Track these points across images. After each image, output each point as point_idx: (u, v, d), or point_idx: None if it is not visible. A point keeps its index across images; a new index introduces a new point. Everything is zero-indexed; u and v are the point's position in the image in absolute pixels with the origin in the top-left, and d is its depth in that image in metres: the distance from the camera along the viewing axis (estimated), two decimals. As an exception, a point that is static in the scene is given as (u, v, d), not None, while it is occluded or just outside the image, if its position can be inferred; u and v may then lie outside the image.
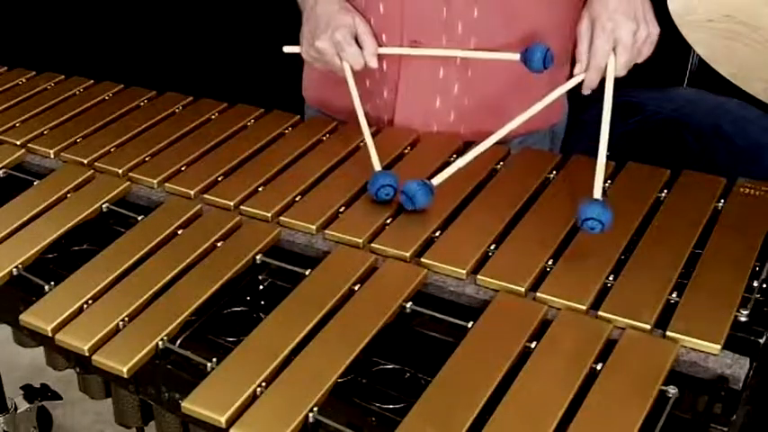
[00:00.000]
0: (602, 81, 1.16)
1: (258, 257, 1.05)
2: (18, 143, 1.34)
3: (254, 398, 0.86)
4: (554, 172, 1.17)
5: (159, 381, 0.93)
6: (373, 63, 1.25)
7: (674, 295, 0.93)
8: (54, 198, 1.20)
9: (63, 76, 1.55)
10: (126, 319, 0.97)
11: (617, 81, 1.16)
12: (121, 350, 0.93)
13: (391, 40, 1.28)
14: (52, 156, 1.31)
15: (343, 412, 0.86)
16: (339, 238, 1.07)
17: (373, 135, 1.22)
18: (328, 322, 0.93)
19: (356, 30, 1.24)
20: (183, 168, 1.24)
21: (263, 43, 1.56)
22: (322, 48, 1.24)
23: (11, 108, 1.46)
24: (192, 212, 1.14)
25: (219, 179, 1.21)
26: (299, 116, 1.37)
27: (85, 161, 1.28)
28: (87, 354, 0.94)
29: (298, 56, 1.31)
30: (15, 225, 1.15)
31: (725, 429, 0.81)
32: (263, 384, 0.87)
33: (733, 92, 1.91)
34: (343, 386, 0.88)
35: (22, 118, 1.41)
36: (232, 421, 0.84)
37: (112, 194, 1.20)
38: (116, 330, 0.96)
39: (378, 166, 1.15)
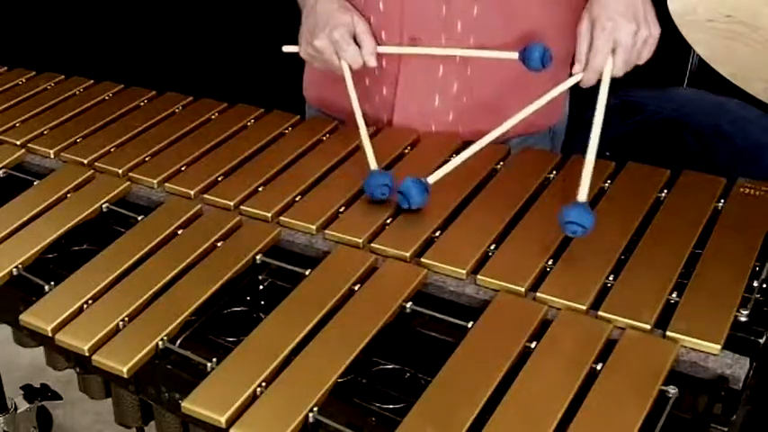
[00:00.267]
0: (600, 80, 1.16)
1: (258, 257, 1.05)
2: (18, 143, 1.34)
3: (254, 398, 0.86)
4: (554, 172, 1.17)
5: (159, 381, 0.93)
6: (372, 62, 1.25)
7: (674, 295, 0.93)
8: (54, 198, 1.20)
9: (63, 76, 1.55)
10: (126, 319, 0.97)
11: (616, 81, 1.16)
12: (121, 350, 0.93)
13: (391, 37, 1.28)
14: (52, 156, 1.31)
15: (344, 412, 0.86)
16: (339, 238, 1.07)
17: (373, 135, 1.22)
18: (328, 322, 0.93)
19: (355, 29, 1.24)
20: (182, 168, 1.24)
21: (263, 43, 1.56)
22: (320, 46, 1.24)
23: (11, 108, 1.46)
24: (192, 212, 1.14)
25: (219, 179, 1.21)
26: (299, 116, 1.37)
27: (85, 161, 1.28)
28: (87, 354, 0.94)
29: (298, 55, 1.31)
30: (15, 225, 1.15)
31: (725, 429, 0.81)
32: (263, 384, 0.87)
33: (733, 92, 1.91)
34: (344, 386, 0.88)
35: (22, 118, 1.41)
36: (232, 421, 0.84)
37: (112, 194, 1.20)
38: (116, 330, 0.96)
39: (374, 166, 1.15)
